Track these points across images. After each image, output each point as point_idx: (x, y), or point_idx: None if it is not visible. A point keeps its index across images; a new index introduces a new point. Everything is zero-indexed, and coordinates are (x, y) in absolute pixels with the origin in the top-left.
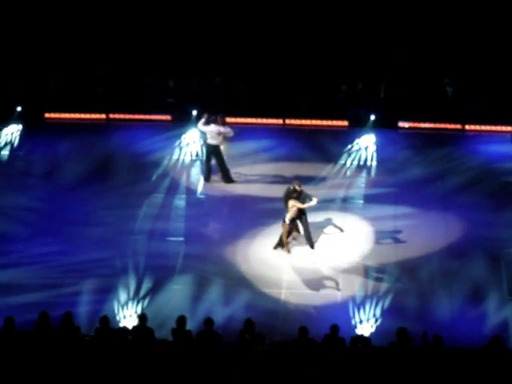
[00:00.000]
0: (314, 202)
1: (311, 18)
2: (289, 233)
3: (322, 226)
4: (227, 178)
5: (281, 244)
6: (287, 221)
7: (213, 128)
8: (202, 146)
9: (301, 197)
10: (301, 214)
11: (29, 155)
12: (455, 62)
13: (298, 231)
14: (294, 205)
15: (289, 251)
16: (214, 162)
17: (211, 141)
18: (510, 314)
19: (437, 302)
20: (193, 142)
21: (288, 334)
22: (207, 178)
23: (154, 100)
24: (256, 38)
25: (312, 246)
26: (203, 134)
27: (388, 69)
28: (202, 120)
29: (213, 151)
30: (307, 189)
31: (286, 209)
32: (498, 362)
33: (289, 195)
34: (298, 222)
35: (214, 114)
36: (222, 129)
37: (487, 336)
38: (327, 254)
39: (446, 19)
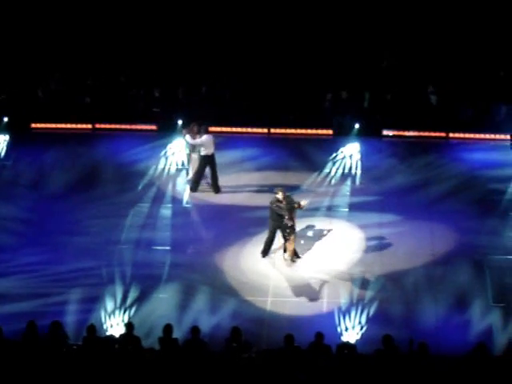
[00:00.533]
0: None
1: (295, 27)
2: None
3: (307, 235)
4: (216, 188)
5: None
6: (296, 228)
7: (206, 138)
8: (187, 155)
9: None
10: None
11: (16, 165)
12: (439, 70)
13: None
14: (302, 205)
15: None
16: (208, 170)
17: (207, 151)
18: (494, 320)
19: (422, 309)
20: (178, 151)
21: (274, 342)
22: (195, 189)
23: (140, 110)
24: (241, 48)
25: (297, 255)
26: (191, 145)
27: (372, 77)
28: (187, 135)
29: (209, 161)
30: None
31: (287, 218)
32: (482, 369)
33: (292, 204)
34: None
35: (198, 125)
36: (212, 137)
37: (472, 343)
38: (313, 262)
39: (429, 28)
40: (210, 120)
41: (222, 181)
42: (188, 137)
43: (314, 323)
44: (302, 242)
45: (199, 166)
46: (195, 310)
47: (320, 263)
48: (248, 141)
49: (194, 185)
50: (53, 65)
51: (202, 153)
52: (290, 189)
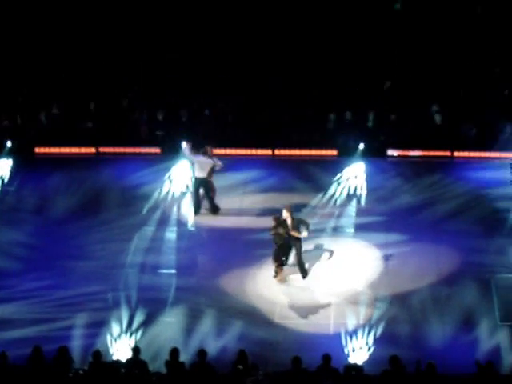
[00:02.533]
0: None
1: (298, 48)
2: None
3: (313, 256)
4: (213, 208)
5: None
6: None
7: (200, 159)
8: (191, 178)
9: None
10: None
11: (19, 190)
12: (443, 89)
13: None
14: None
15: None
16: (202, 193)
17: (199, 173)
18: (501, 339)
19: (429, 329)
20: (182, 174)
21: (281, 365)
22: (197, 211)
23: (143, 133)
24: (244, 68)
25: (304, 276)
26: (192, 165)
27: (376, 97)
28: (187, 148)
29: (201, 183)
30: None
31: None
32: None
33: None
34: (294, 250)
35: (203, 145)
36: (211, 160)
37: (480, 362)
38: (319, 284)
39: (433, 47)
40: (214, 142)
41: (227, 203)
42: (187, 149)
43: (321, 345)
44: (308, 264)
45: (192, 187)
46: (201, 334)
47: (326, 284)
48: (252, 162)
49: (194, 207)
50: (55, 89)
51: (195, 173)
52: (295, 210)
